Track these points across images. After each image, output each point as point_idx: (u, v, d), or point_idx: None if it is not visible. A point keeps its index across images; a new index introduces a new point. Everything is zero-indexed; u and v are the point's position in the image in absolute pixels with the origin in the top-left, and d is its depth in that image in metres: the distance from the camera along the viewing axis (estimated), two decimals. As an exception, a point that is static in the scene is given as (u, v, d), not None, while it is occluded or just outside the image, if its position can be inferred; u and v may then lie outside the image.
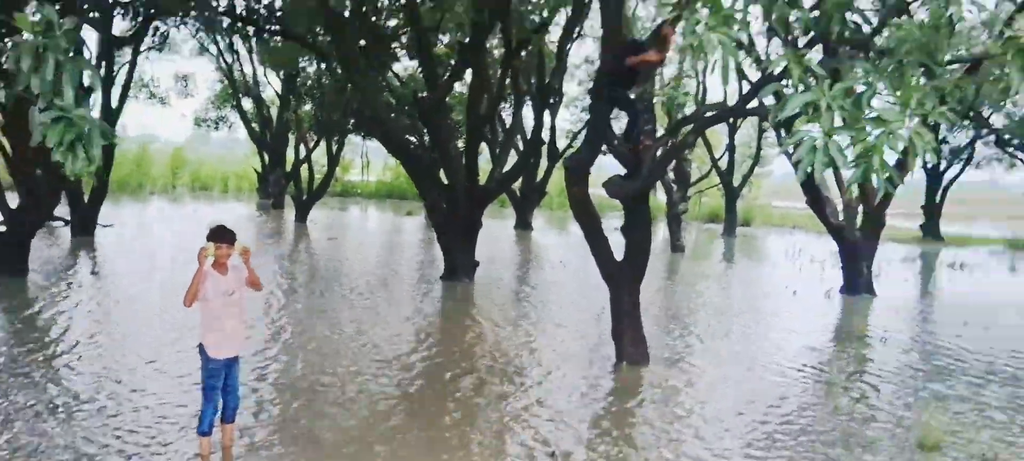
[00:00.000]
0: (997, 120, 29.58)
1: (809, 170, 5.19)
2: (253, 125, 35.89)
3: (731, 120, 30.56)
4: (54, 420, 6.95)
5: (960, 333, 13.23)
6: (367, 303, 13.61)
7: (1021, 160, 31.19)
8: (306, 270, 17.59)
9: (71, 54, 3.70)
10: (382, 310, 13.07)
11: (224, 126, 39.57)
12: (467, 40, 17.32)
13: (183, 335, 9.99)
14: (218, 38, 31.31)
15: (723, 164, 32.74)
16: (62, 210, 19.99)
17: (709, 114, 9.61)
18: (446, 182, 16.73)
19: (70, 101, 3.78)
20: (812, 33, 7.35)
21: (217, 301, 6.03)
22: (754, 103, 9.02)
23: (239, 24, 20.17)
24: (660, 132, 12.65)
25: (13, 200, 15.43)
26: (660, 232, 29.07)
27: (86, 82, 4.13)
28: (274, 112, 35.70)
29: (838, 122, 5.34)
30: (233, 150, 57.19)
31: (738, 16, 5.36)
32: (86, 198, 21.48)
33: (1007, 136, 29.45)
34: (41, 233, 18.58)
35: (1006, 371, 10.67)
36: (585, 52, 33.14)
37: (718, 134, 36.36)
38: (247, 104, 36.26)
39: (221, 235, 6.00)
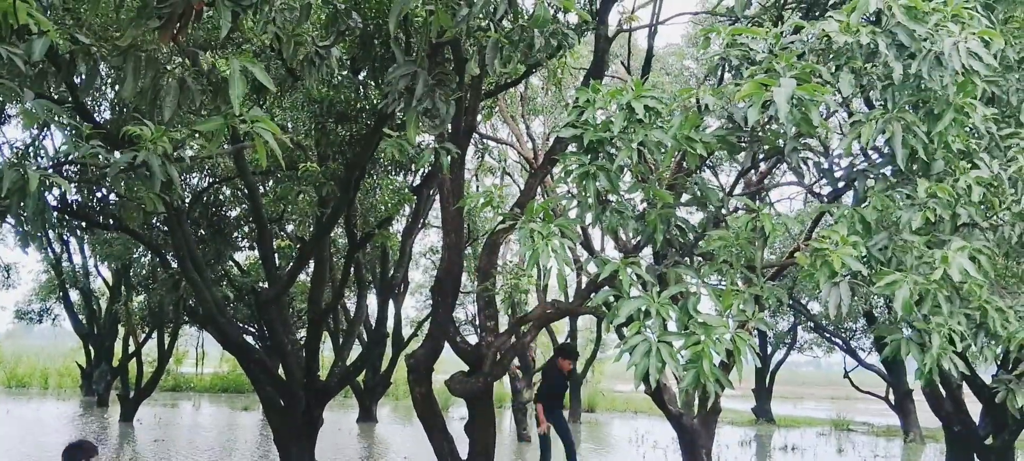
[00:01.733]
0: (813, 307, 31.84)
1: (645, 375, 5.35)
2: (80, 318, 33.91)
3: (572, 310, 31.49)
4: None
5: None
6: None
7: (837, 345, 33.50)
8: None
9: None
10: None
11: (48, 319, 37.26)
12: (310, 233, 17.23)
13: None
14: (48, 231, 29.87)
15: (566, 351, 33.32)
16: None
17: (549, 311, 9.86)
18: (284, 377, 16.14)
19: None
20: (639, 238, 7.76)
21: None
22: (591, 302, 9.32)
23: (69, 218, 19.34)
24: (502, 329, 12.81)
25: None
26: (506, 422, 28.93)
27: None
28: (104, 304, 33.93)
29: (672, 326, 5.60)
30: (56, 343, 53.52)
31: (571, 228, 5.60)
32: None
33: (823, 323, 31.72)
34: None
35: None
36: (429, 242, 33.46)
37: (560, 321, 37.24)
38: (74, 295, 34.41)
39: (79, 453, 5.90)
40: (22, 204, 5.18)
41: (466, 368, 10.10)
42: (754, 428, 32.99)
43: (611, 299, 5.78)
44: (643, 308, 5.54)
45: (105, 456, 19.12)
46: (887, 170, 6.19)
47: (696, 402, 18.74)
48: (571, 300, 13.84)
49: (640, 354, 5.47)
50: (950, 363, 5.04)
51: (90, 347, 34.46)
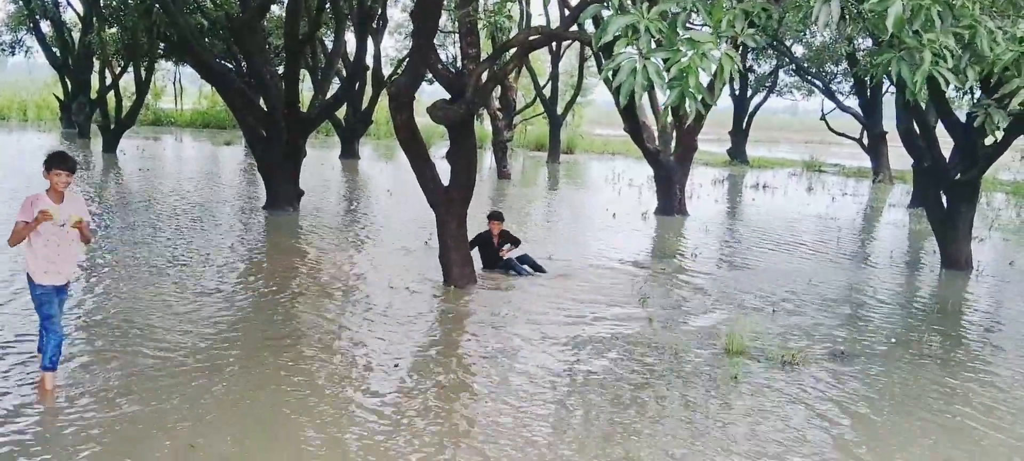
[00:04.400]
0: (797, 50, 31.62)
1: (631, 93, 5.34)
2: (53, 50, 33.16)
3: (554, 48, 31.05)
4: None
5: (763, 250, 14.28)
6: (185, 234, 13.01)
7: (817, 88, 33.55)
8: (117, 202, 16.52)
9: None
10: (200, 241, 12.53)
11: (20, 51, 36.39)
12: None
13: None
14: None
15: (547, 93, 33.26)
16: None
17: (533, 37, 9.68)
18: (265, 109, 16.11)
19: None
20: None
21: (46, 227, 5.75)
22: (576, 27, 9.17)
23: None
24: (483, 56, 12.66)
25: None
26: (487, 160, 29.35)
27: None
28: (76, 36, 33.09)
29: (654, 46, 5.53)
30: (31, 76, 52.64)
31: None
32: None
33: (806, 65, 31.61)
34: None
35: (801, 284, 11.60)
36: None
37: (542, 63, 36.87)
38: (45, 27, 33.44)
39: (60, 162, 5.77)
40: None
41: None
42: (728, 168, 33.71)
43: (601, 14, 5.66)
44: (632, 24, 5.44)
45: (94, 182, 19.36)
46: None
47: (673, 140, 19.07)
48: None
49: (626, 72, 5.43)
50: (940, 75, 5.04)
51: (66, 80, 33.99)
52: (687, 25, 5.55)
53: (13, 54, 37.02)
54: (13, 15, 35.04)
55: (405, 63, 30.88)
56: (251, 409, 5.99)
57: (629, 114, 17.85)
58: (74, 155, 5.98)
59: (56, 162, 5.75)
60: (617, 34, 5.65)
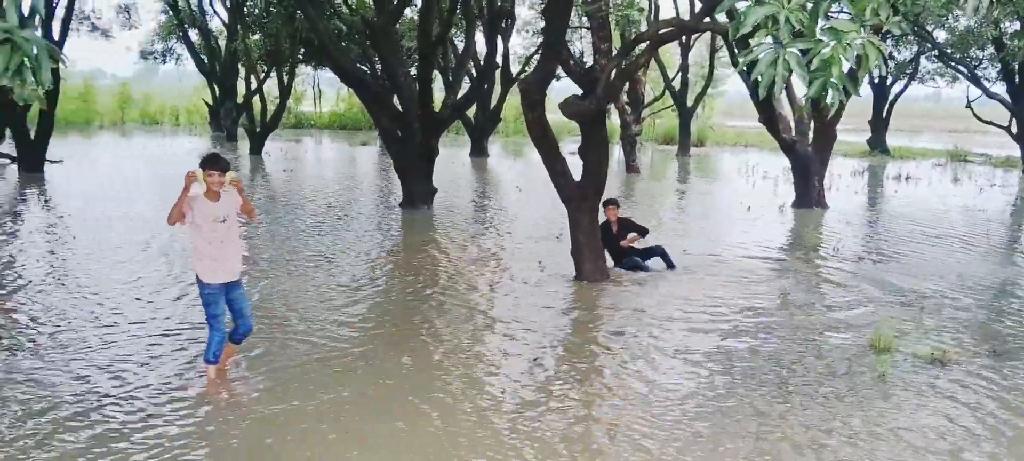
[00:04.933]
0: (939, 35, 30.04)
1: (770, 83, 5.27)
2: (202, 57, 35.09)
3: (684, 40, 30.60)
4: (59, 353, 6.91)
5: (908, 243, 13.69)
6: (328, 230, 13.58)
7: (962, 74, 31.75)
8: (265, 200, 17.40)
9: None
10: (344, 237, 13.06)
11: (171, 59, 38.66)
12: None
13: (145, 270, 9.91)
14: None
15: (676, 85, 32.82)
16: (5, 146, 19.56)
17: (664, 30, 9.62)
18: (400, 109, 16.61)
19: (14, 22, 3.55)
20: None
21: (207, 226, 6.12)
22: (709, 19, 9.06)
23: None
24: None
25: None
26: (615, 154, 29.22)
27: (29, 4, 4.01)
28: (222, 43, 34.96)
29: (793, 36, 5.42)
30: (181, 83, 55.88)
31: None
32: (32, 134, 21.01)
33: (949, 50, 29.99)
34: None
35: (950, 279, 11.06)
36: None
37: (671, 55, 36.40)
38: (194, 35, 35.40)
39: (213, 163, 6.09)
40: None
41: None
42: (867, 159, 32.41)
43: (737, 7, 5.58)
44: (771, 15, 5.35)
45: (244, 183, 20.35)
46: None
47: (810, 130, 18.48)
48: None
49: (766, 63, 5.35)
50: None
51: (214, 85, 35.92)
52: (828, 14, 5.42)
53: (164, 62, 39.34)
54: (164, 25, 37.25)
55: (536, 60, 31.14)
56: (407, 398, 6.21)
57: (764, 104, 17.43)
58: (225, 157, 6.33)
59: (209, 163, 6.09)
60: (756, 25, 5.57)
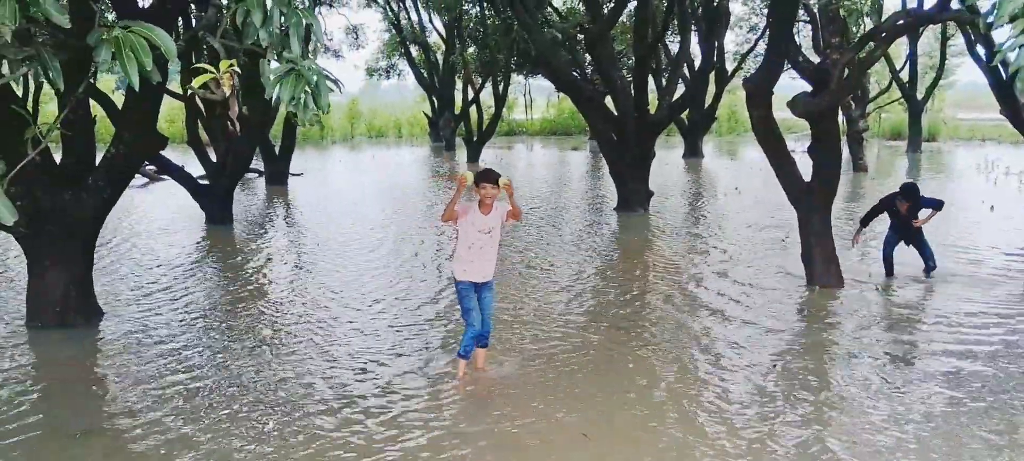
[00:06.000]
0: None
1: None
2: (421, 71, 36.82)
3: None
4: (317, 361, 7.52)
5: None
6: (548, 235, 13.81)
7: None
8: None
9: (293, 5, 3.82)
10: (566, 240, 13.25)
11: (395, 75, 40.78)
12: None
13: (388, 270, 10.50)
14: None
15: (904, 76, 30.77)
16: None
17: (904, 21, 9.05)
18: (615, 114, 16.64)
19: (297, 52, 3.82)
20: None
21: (472, 234, 6.52)
22: (955, 4, 8.43)
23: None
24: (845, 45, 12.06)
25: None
26: (842, 152, 27.79)
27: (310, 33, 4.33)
28: (439, 57, 36.53)
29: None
30: (402, 97, 58.87)
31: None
32: (276, 150, 22.84)
33: None
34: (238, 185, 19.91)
35: None
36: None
37: (897, 45, 34.16)
38: (414, 51, 37.19)
39: (486, 177, 6.47)
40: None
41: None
42: None
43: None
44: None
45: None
46: None
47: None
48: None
49: (1028, 51, 4.90)
50: None
51: (433, 98, 37.58)
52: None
53: (389, 78, 41.55)
54: (387, 43, 39.36)
55: (751, 57, 30.25)
56: (635, 402, 6.22)
57: (1009, 96, 15.97)
58: (492, 168, 6.60)
59: (483, 177, 6.49)
60: (1014, 13, 5.13)
